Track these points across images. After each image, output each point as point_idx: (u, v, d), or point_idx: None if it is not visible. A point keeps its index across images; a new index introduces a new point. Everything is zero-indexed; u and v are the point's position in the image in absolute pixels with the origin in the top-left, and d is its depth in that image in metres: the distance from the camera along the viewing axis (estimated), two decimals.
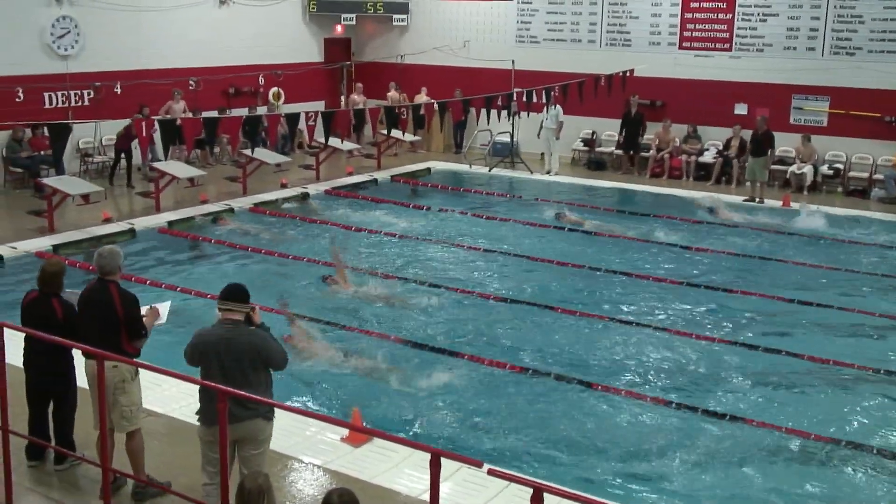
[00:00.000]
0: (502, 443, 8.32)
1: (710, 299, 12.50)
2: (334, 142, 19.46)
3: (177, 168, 17.34)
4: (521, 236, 15.70)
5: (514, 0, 23.13)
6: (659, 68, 21.04)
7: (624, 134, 21.20)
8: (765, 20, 20.32)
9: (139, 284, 11.75)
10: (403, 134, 21.86)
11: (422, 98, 22.86)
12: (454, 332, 11.09)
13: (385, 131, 21.09)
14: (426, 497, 5.26)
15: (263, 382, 6.32)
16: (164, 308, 7.34)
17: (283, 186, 18.31)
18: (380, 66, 24.92)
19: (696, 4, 21.01)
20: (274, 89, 22.87)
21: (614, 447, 8.26)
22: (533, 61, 22.32)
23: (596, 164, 21.80)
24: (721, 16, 20.75)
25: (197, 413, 6.37)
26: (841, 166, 19.58)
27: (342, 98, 25.01)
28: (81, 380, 7.15)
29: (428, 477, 4.87)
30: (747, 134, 18.97)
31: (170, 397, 8.47)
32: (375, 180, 19.76)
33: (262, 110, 21.19)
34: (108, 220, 15.20)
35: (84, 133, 18.38)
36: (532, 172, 20.78)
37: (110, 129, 18.53)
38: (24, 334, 7.00)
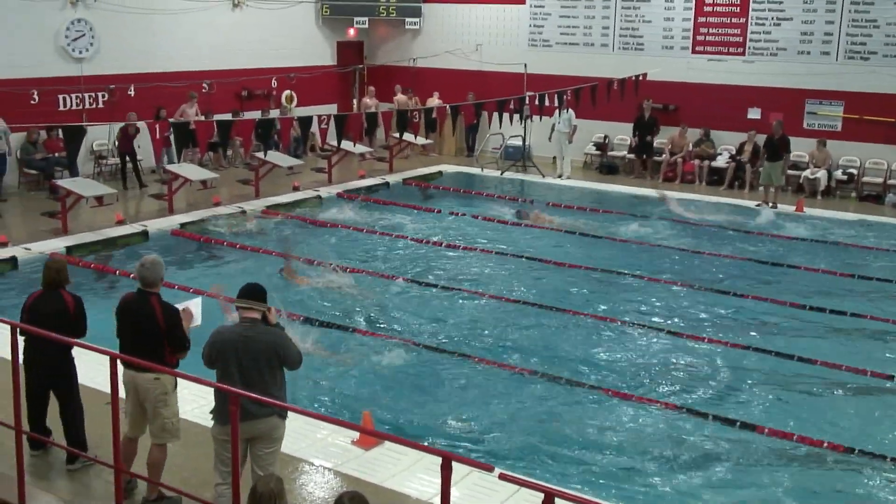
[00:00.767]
0: (513, 447, 8.30)
1: (721, 303, 12.47)
2: (346, 145, 19.49)
3: (190, 170, 17.39)
4: (532, 239, 15.67)
5: (527, 3, 23.11)
6: (672, 72, 21.00)
7: (636, 138, 21.16)
8: (779, 24, 20.25)
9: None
10: (415, 137, 21.88)
11: (434, 102, 22.87)
12: (465, 334, 11.09)
13: (397, 134, 21.11)
14: (437, 501, 5.25)
15: (279, 381, 6.37)
16: (195, 307, 7.24)
17: (296, 189, 18.34)
18: (392, 70, 24.94)
19: (709, 8, 20.95)
20: (287, 92, 22.92)
21: (626, 453, 8.24)
22: (545, 65, 22.30)
23: (608, 168, 21.76)
24: (734, 20, 20.69)
25: (211, 412, 6.38)
26: (855, 171, 19.50)
27: (354, 101, 25.05)
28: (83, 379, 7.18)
29: (439, 481, 4.87)
30: (761, 139, 18.93)
31: (182, 399, 8.46)
32: (387, 183, 19.78)
33: (274, 113, 21.25)
34: (121, 222, 15.26)
35: (98, 135, 18.45)
36: (544, 176, 20.76)
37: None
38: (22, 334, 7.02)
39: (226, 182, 18.66)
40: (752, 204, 18.38)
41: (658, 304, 12.42)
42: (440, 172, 21.31)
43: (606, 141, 22.20)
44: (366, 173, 20.24)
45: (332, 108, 23.11)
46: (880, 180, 19.31)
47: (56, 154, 17.60)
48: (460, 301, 12.36)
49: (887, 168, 19.29)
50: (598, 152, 22.23)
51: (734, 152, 20.28)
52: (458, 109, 20.12)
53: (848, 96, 19.60)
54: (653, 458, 8.14)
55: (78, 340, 6.80)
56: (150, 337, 6.69)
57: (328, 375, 9.70)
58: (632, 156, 21.56)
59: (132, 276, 8.66)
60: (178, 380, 6.78)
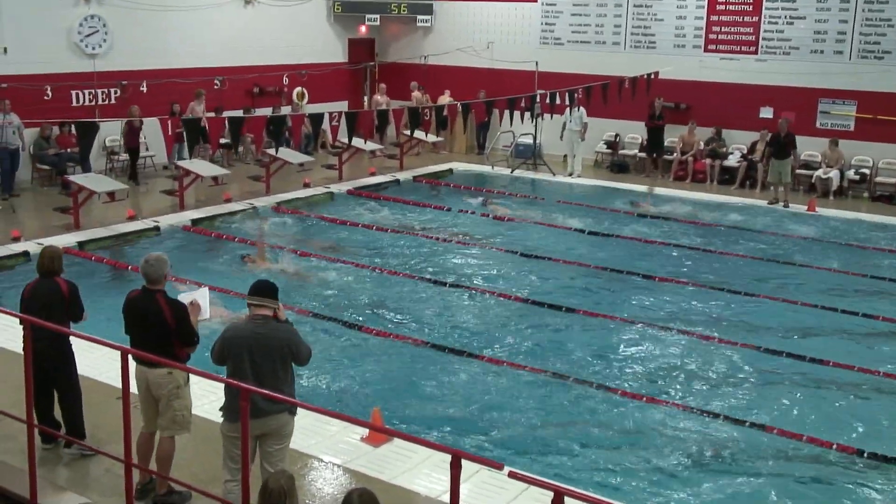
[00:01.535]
0: (523, 445, 8.31)
1: (732, 303, 12.44)
2: (357, 142, 19.50)
3: (201, 167, 17.43)
4: (541, 238, 15.67)
5: (539, 2, 23.08)
6: (684, 71, 20.93)
7: (647, 136, 21.13)
8: (792, 23, 20.17)
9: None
10: (426, 135, 21.89)
11: (445, 99, 22.86)
12: (475, 332, 11.10)
13: (408, 132, 21.11)
14: (446, 498, 5.27)
15: (290, 378, 6.40)
16: (202, 299, 7.23)
17: (306, 186, 18.37)
18: (403, 67, 24.95)
19: (722, 7, 20.88)
20: (298, 89, 22.95)
21: (635, 452, 8.23)
22: (557, 63, 22.27)
23: (619, 166, 21.72)
24: (747, 18, 20.62)
25: (221, 409, 6.40)
26: (867, 171, 19.42)
27: (365, 98, 25.07)
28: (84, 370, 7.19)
29: (448, 478, 4.87)
30: None
31: (192, 394, 8.47)
32: (398, 181, 19.79)
33: (286, 110, 21.27)
34: (132, 218, 15.31)
35: (110, 131, 18.48)
36: (555, 174, 20.74)
37: None
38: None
39: (237, 178, 18.71)
40: (763, 202, 18.34)
41: (668, 303, 12.39)
42: (451, 170, 21.32)
43: (617, 139, 22.16)
44: (376, 170, 20.25)
45: (343, 106, 23.14)
46: (893, 180, 19.21)
47: (69, 150, 17.67)
48: (470, 299, 12.37)
49: None
50: (608, 151, 22.20)
51: (746, 151, 20.22)
52: (469, 107, 20.11)
53: (861, 96, 19.50)
54: (662, 457, 8.13)
55: (90, 335, 6.81)
56: (160, 334, 6.72)
57: (338, 372, 9.72)
58: (643, 154, 21.53)
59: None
60: (196, 376, 6.80)
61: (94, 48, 18.63)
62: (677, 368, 10.18)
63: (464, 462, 4.86)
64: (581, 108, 20.40)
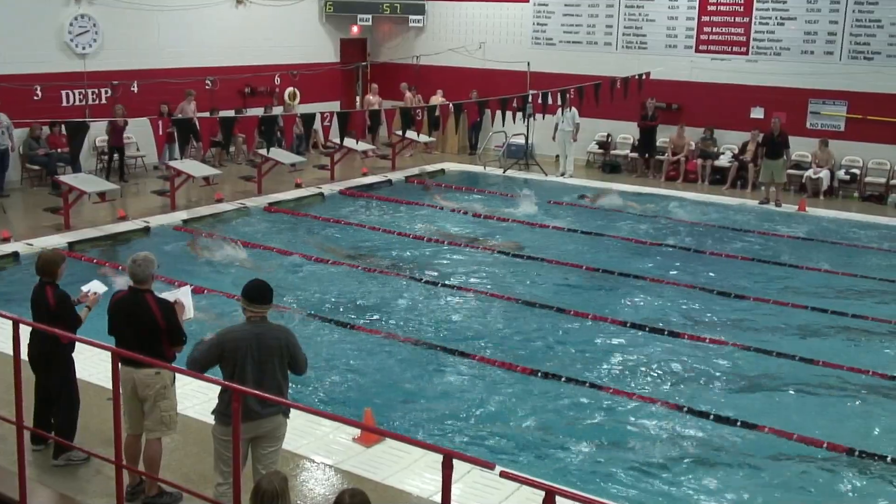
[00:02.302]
0: (514, 445, 8.31)
1: (722, 303, 12.46)
2: (349, 142, 19.48)
3: (192, 167, 17.40)
4: (533, 238, 15.67)
5: (531, 2, 23.11)
6: (675, 71, 21.00)
7: (639, 137, 21.18)
8: (782, 24, 20.23)
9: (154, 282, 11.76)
10: (418, 135, 21.88)
11: (438, 99, 22.87)
12: (466, 332, 11.11)
13: (400, 132, 21.12)
14: (438, 498, 5.25)
15: (286, 378, 6.36)
16: (186, 298, 7.21)
17: (298, 186, 18.35)
18: (395, 67, 24.95)
19: (713, 7, 20.94)
20: (290, 89, 22.92)
21: (627, 451, 8.24)
22: (549, 63, 22.31)
23: (611, 167, 21.76)
24: (738, 19, 20.67)
25: (214, 412, 6.34)
26: (858, 171, 19.48)
27: (357, 99, 25.06)
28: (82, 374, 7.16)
29: (440, 478, 4.87)
30: None
31: (183, 395, 8.47)
32: (390, 181, 19.78)
33: (277, 110, 21.27)
34: (123, 218, 15.28)
35: (101, 131, 18.44)
36: (546, 174, 20.76)
37: (126, 129, 18.63)
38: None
39: (228, 179, 18.68)
40: (754, 202, 18.40)
41: (658, 303, 12.41)
42: (443, 170, 21.32)
43: (609, 140, 22.20)
44: (368, 171, 20.24)
45: (335, 106, 23.14)
46: (883, 180, 19.29)
47: (59, 150, 17.62)
48: (461, 298, 12.37)
49: (890, 168, 19.26)
50: (601, 151, 22.23)
51: (737, 151, 20.27)
52: (461, 107, 20.11)
53: (851, 96, 19.57)
54: (653, 456, 8.14)
55: (75, 336, 6.79)
56: (149, 334, 6.69)
57: (330, 372, 9.71)
58: (635, 155, 21.57)
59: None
60: (179, 377, 6.79)
61: (84, 48, 18.58)
62: (668, 368, 10.19)
63: (455, 462, 4.85)
64: (573, 108, 20.44)
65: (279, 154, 18.67)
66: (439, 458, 4.85)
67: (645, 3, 21.69)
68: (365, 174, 19.97)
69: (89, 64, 18.68)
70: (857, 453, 8.22)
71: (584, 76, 20.95)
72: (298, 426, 7.90)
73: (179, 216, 15.81)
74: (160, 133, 15.98)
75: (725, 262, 14.48)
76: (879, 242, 15.94)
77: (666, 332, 11.21)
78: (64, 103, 18.36)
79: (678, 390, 9.63)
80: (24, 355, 6.56)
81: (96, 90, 18.85)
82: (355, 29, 24.85)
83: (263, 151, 17.97)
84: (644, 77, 20.46)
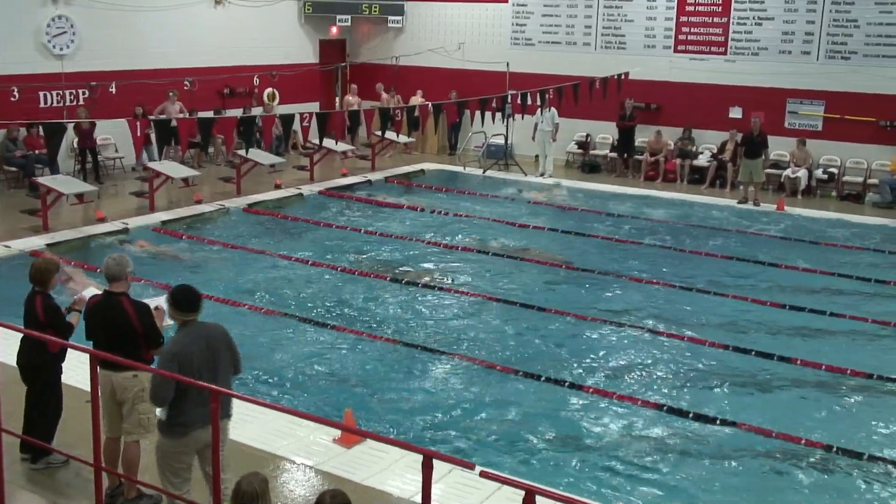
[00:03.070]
0: (495, 445, 8.32)
1: (701, 302, 12.53)
2: (329, 143, 19.45)
3: (171, 168, 17.33)
4: (510, 236, 15.70)
5: (510, 2, 23.14)
6: (654, 71, 21.09)
7: (618, 137, 21.26)
8: (760, 24, 20.35)
9: (133, 283, 11.70)
10: (398, 136, 21.88)
11: (417, 100, 22.87)
12: (446, 332, 11.11)
13: (379, 132, 21.10)
14: (418, 499, 5.26)
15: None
16: (165, 304, 7.20)
17: (278, 187, 18.31)
18: (375, 68, 24.93)
19: (691, 8, 21.04)
20: (269, 90, 22.87)
21: (606, 451, 8.27)
22: (528, 63, 22.34)
23: (590, 166, 21.81)
24: (716, 19, 20.78)
25: (162, 425, 6.14)
26: (835, 171, 19.62)
27: (337, 99, 25.02)
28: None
29: (420, 479, 4.88)
30: None
31: None
32: (369, 181, 19.76)
33: (257, 111, 21.20)
34: (102, 220, 15.19)
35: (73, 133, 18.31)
36: (526, 175, 20.79)
37: (104, 130, 18.52)
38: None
39: (207, 180, 18.61)
40: (733, 202, 18.51)
41: (638, 302, 12.45)
42: (423, 171, 21.32)
43: (588, 140, 22.26)
44: (348, 171, 20.21)
45: (314, 106, 23.09)
46: (860, 179, 19.44)
47: (36, 151, 17.50)
48: (441, 299, 12.37)
49: (867, 167, 19.41)
50: (580, 151, 22.29)
51: (715, 151, 20.38)
52: (440, 108, 20.12)
53: (829, 96, 19.71)
54: (633, 455, 8.18)
55: (52, 338, 6.76)
56: (126, 337, 6.65)
57: (310, 373, 9.70)
58: (614, 154, 21.64)
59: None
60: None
61: (62, 49, 18.47)
62: (648, 367, 10.24)
63: (436, 462, 4.86)
64: (552, 108, 20.48)
65: (258, 155, 18.63)
66: (419, 458, 4.86)
67: (623, 3, 21.77)
68: (345, 175, 19.95)
69: (67, 65, 18.57)
70: (834, 449, 8.28)
71: (563, 76, 21.00)
72: (279, 427, 7.91)
73: (159, 217, 15.73)
74: (138, 134, 15.88)
75: (704, 261, 14.55)
76: (857, 241, 16.04)
77: (646, 331, 11.26)
78: (42, 104, 18.23)
79: (658, 389, 9.66)
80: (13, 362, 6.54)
81: (74, 91, 18.73)
82: (334, 30, 24.81)
83: (242, 152, 17.91)
84: (623, 77, 20.53)
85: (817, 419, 9.07)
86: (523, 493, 4.54)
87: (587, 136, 22.24)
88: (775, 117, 19.86)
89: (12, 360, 7.35)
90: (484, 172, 21.03)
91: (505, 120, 20.85)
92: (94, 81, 18.91)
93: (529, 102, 19.97)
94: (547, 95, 20.16)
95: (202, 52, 21.07)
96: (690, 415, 8.94)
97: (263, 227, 16.00)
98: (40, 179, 15.61)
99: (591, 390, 9.47)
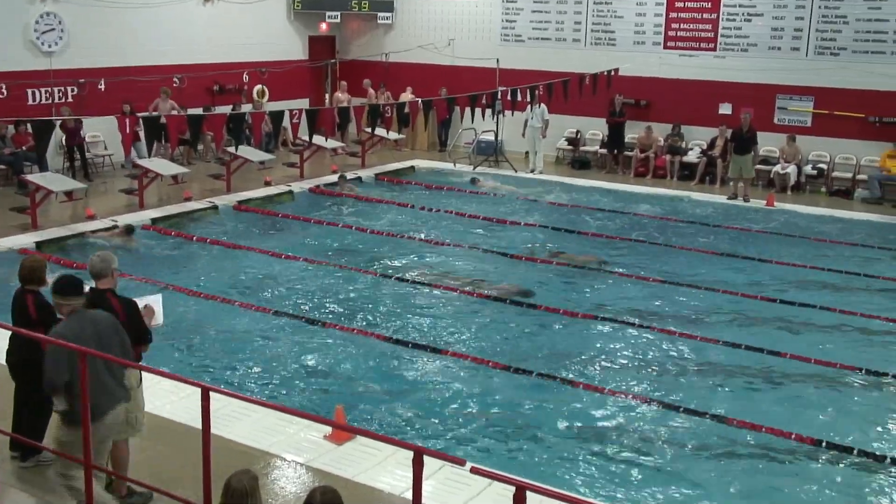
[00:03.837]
0: (486, 441, 8.32)
1: (691, 297, 12.54)
2: (318, 140, 19.42)
3: (161, 165, 17.27)
4: (501, 233, 15.71)
5: None
6: (644, 68, 21.12)
7: (608, 133, 21.28)
8: (749, 20, 20.39)
9: (122, 280, 11.67)
10: (388, 132, 21.85)
11: (407, 97, 22.85)
12: (437, 329, 11.10)
13: (369, 129, 21.07)
14: (409, 495, 5.26)
15: (130, 353, 6.43)
16: (157, 304, 7.18)
17: (267, 184, 18.27)
18: (364, 65, 24.90)
19: (680, 4, 21.06)
20: (258, 87, 22.82)
21: (597, 446, 8.28)
22: (518, 60, 22.36)
23: (580, 163, 21.83)
24: (706, 15, 20.81)
25: (67, 416, 6.22)
26: (825, 166, 19.67)
27: (327, 96, 24.98)
28: None
29: (411, 475, 4.88)
30: None
31: (154, 395, 8.41)
32: (360, 178, 19.73)
33: (246, 108, 21.15)
34: (91, 217, 15.14)
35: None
36: (516, 171, 20.80)
37: (93, 127, 18.48)
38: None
39: (197, 177, 18.56)
40: (723, 198, 18.55)
41: (628, 298, 12.47)
42: (413, 168, 21.31)
43: (578, 136, 22.28)
44: (338, 168, 20.18)
45: (304, 103, 23.07)
46: (850, 175, 19.49)
47: (25, 149, 17.43)
48: (432, 295, 12.36)
49: (857, 163, 19.47)
50: (570, 147, 22.30)
51: (705, 147, 20.42)
52: (430, 104, 20.11)
53: (818, 92, 19.75)
54: (624, 450, 8.19)
55: (44, 336, 6.73)
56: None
57: (301, 370, 9.69)
58: (604, 151, 21.66)
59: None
60: (147, 376, 6.74)
61: (50, 46, 18.39)
62: (638, 362, 10.27)
63: (426, 458, 4.87)
64: (542, 104, 20.50)
65: (248, 152, 18.59)
66: (410, 454, 4.86)
67: None
68: (335, 171, 19.91)
69: (55, 62, 18.49)
70: (824, 444, 8.31)
71: (553, 73, 21.00)
72: (269, 424, 7.90)
73: (148, 215, 15.69)
74: (126, 132, 15.83)
75: (694, 256, 14.58)
76: (846, 236, 16.09)
77: (636, 326, 11.28)
78: (30, 101, 18.16)
79: (648, 384, 9.69)
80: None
81: (63, 88, 18.65)
82: (324, 26, 24.77)
83: (232, 149, 17.88)
84: (612, 73, 20.54)
85: (807, 413, 9.10)
86: (514, 489, 4.55)
87: (577, 132, 22.26)
88: (765, 113, 19.91)
89: (1, 358, 7.31)
90: (474, 169, 21.02)
91: (495, 116, 20.84)
92: (83, 78, 18.82)
93: (519, 99, 19.95)
94: (537, 92, 20.16)
95: (191, 48, 21.01)
96: (681, 409, 8.96)
97: (253, 224, 15.97)
98: (29, 177, 15.56)
99: (581, 386, 9.49)
